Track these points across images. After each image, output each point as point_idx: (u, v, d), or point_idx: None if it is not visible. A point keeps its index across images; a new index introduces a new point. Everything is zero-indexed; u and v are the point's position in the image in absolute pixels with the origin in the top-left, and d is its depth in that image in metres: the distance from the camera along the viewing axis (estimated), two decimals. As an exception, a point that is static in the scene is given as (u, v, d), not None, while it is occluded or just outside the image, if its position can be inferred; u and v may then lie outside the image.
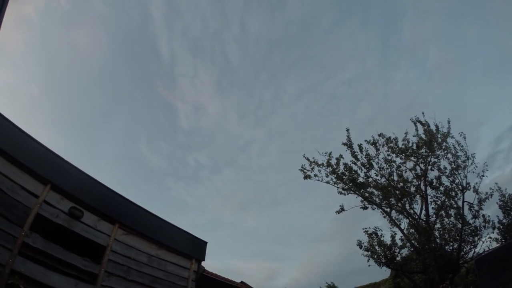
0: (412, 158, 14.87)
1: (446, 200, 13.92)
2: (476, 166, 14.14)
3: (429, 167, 14.74)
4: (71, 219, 7.12)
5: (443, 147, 14.78)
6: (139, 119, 45.03)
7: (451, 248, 13.22)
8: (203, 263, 9.99)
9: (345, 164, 14.62)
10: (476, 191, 13.84)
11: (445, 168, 14.55)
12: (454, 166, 14.28)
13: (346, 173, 14.43)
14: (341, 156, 14.67)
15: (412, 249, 13.76)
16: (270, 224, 58.88)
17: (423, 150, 14.83)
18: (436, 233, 13.46)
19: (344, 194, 14.67)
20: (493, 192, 14.00)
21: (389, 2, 36.34)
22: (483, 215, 13.48)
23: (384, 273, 20.44)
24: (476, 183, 14.00)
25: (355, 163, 14.63)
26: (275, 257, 54.24)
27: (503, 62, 31.70)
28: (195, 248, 9.89)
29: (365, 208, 14.47)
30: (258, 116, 50.23)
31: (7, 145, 6.19)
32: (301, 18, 39.62)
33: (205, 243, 10.19)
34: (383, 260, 13.31)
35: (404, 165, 14.87)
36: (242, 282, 12.75)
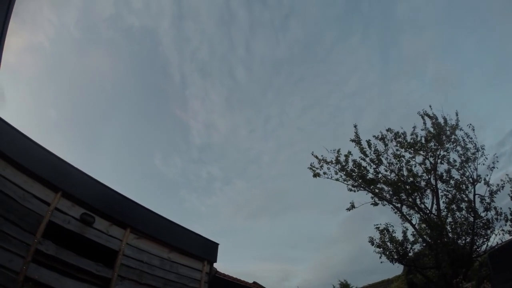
0: (421, 152, 14.66)
1: (457, 194, 13.70)
2: (486, 158, 13.93)
3: (439, 161, 14.52)
4: (83, 225, 7.17)
5: (452, 140, 14.54)
6: (154, 137, 48.44)
7: (463, 242, 13.01)
8: (215, 265, 10.02)
9: (354, 161, 14.47)
10: (487, 183, 13.59)
11: (455, 161, 14.33)
12: (464, 159, 14.07)
13: (356, 169, 14.27)
14: (349, 152, 14.52)
15: (424, 244, 13.61)
16: (281, 229, 61.02)
17: (432, 144, 14.62)
18: (448, 227, 13.25)
19: (354, 191, 14.55)
20: (504, 183, 13.74)
21: (387, 19, 38.29)
22: (495, 208, 13.20)
23: (395, 270, 20.40)
24: (487, 175, 13.79)
25: (364, 160, 14.46)
26: (287, 260, 56.09)
27: (501, 68, 32.18)
28: (206, 250, 9.91)
29: (375, 204, 14.32)
30: (266, 130, 53.24)
31: (17, 155, 6.28)
32: (304, 38, 42.06)
33: (216, 244, 10.21)
34: (395, 256, 13.18)
35: (414, 159, 14.61)
36: (254, 283, 12.75)
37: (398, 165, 14.44)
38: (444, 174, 14.36)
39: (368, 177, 14.21)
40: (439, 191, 14.13)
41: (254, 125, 52.46)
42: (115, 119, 41.77)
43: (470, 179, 13.71)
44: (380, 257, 13.36)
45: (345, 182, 14.60)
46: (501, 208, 13.27)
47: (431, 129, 14.92)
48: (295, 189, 60.01)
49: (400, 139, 14.80)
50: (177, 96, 45.93)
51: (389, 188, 14.07)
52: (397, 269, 19.99)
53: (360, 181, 14.31)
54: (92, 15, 29.38)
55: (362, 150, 14.47)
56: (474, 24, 33.81)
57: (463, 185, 13.78)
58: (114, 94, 39.50)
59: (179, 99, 46.21)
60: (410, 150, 14.65)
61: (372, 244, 13.59)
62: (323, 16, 39.58)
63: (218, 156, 54.67)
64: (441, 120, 14.99)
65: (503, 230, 13.08)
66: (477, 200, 13.40)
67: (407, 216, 13.98)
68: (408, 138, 14.90)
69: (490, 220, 13.01)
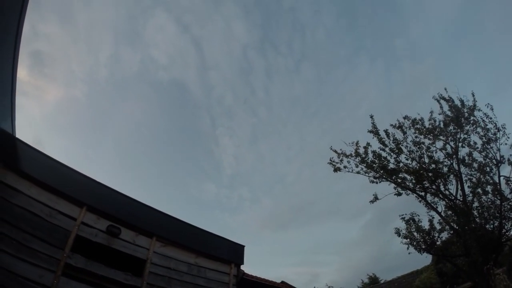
0: (441, 137, 14.35)
1: (481, 177, 13.34)
2: (508, 137, 13.51)
3: (460, 144, 14.18)
4: (109, 237, 7.21)
5: (471, 122, 14.16)
6: (191, 169, 56.21)
7: (491, 226, 12.65)
8: (242, 267, 9.97)
9: (374, 152, 14.19)
10: (511, 163, 13.23)
11: (476, 143, 13.97)
12: (485, 140, 13.68)
13: (376, 160, 13.98)
14: (368, 144, 14.26)
15: (451, 232, 13.27)
16: (308, 237, 66.67)
17: (451, 127, 14.30)
18: (475, 213, 12.91)
19: (376, 183, 14.26)
20: (529, 163, 13.34)
21: (389, 50, 42.97)
22: (522, 188, 12.86)
23: (417, 265, 20.15)
24: (510, 155, 13.37)
25: (383, 150, 14.15)
26: (315, 264, 61.42)
27: (501, 77, 33.67)
28: (233, 252, 9.88)
29: (399, 194, 14.00)
30: (289, 156, 59.89)
31: (40, 174, 6.39)
32: (317, 77, 47.51)
33: (242, 246, 10.14)
34: (423, 246, 12.88)
35: (434, 145, 14.30)
36: (282, 282, 12.69)
37: (419, 152, 14.12)
38: (466, 158, 14.05)
39: (389, 167, 13.91)
40: (463, 175, 13.81)
41: (277, 153, 59.76)
42: (154, 155, 48.91)
43: (494, 160, 13.37)
44: (407, 248, 13.07)
45: (366, 174, 14.34)
46: (528, 189, 12.88)
47: (449, 113, 14.62)
48: (318, 201, 66.44)
49: (418, 126, 14.51)
50: (208, 135, 53.29)
51: (412, 177, 13.74)
52: (418, 263, 19.82)
53: (381, 172, 14.01)
54: (120, 72, 34.81)
55: (381, 141, 14.16)
56: (471, 42, 36.64)
57: (487, 168, 13.43)
58: (151, 136, 46.42)
59: (210, 137, 53.62)
60: (429, 136, 14.35)
61: (399, 236, 13.32)
62: (333, 57, 45.43)
63: (246, 181, 62.58)
64: (457, 103, 14.63)
65: (532, 211, 12.69)
66: (503, 181, 13.04)
67: (432, 204, 13.68)
68: (426, 124, 14.64)
69: (518, 201, 12.62)
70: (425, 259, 16.90)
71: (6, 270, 5.51)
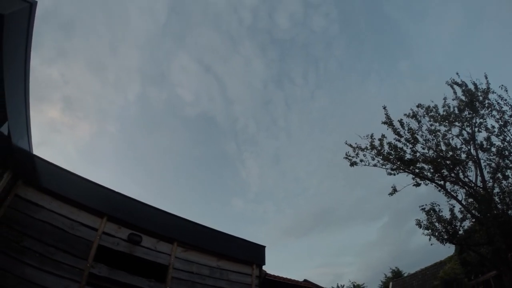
0: (457, 123, 13.98)
1: (500, 161, 13.01)
2: (526, 118, 13.16)
3: (476, 129, 13.80)
4: (131, 245, 7.26)
5: (486, 105, 13.77)
6: (220, 188, 62.79)
7: (514, 212, 12.37)
8: (264, 268, 9.93)
9: (389, 143, 13.71)
10: (530, 145, 12.88)
11: (493, 126, 13.59)
12: (502, 123, 13.33)
13: (392, 152, 13.57)
14: (383, 136, 13.85)
15: (473, 220, 12.92)
16: (330, 241, 73.91)
17: (466, 112, 13.93)
18: (496, 199, 12.52)
19: (394, 175, 13.74)
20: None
21: (394, 71, 47.99)
22: (542, 171, 12.52)
23: (439, 256, 19.88)
24: (529, 137, 13.02)
25: (399, 141, 13.65)
26: (337, 265, 67.26)
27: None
28: (254, 254, 9.85)
29: (417, 185, 13.55)
30: (308, 171, 67.60)
31: (60, 188, 6.50)
32: (331, 102, 53.12)
33: (263, 247, 10.10)
34: (445, 236, 12.56)
35: (450, 132, 13.94)
36: (305, 280, 12.60)
37: (435, 140, 13.77)
38: (484, 143, 13.65)
39: (406, 158, 13.58)
40: (481, 161, 13.43)
41: (298, 169, 67.04)
42: (187, 178, 58.31)
43: (512, 143, 13.02)
44: (429, 239, 12.69)
45: (383, 167, 13.95)
46: (549, 171, 12.56)
47: (463, 97, 14.25)
48: (338, 209, 73.53)
49: (432, 113, 14.19)
50: (235, 159, 61.06)
51: (429, 166, 13.37)
52: (439, 256, 19.59)
53: (398, 163, 13.65)
54: (149, 109, 39.22)
55: (396, 131, 13.84)
56: (472, 59, 38.09)
57: (506, 151, 13.08)
58: (183, 163, 51.74)
59: (237, 161, 61.52)
60: (444, 122, 14.02)
61: (420, 227, 12.97)
62: (345, 84, 50.86)
63: (270, 196, 72.04)
64: (471, 86, 14.29)
65: (554, 194, 12.36)
66: (523, 165, 12.72)
67: (452, 193, 13.33)
68: (441, 110, 14.28)
69: (540, 184, 12.31)
70: (446, 251, 16.66)
71: (32, 282, 5.59)
